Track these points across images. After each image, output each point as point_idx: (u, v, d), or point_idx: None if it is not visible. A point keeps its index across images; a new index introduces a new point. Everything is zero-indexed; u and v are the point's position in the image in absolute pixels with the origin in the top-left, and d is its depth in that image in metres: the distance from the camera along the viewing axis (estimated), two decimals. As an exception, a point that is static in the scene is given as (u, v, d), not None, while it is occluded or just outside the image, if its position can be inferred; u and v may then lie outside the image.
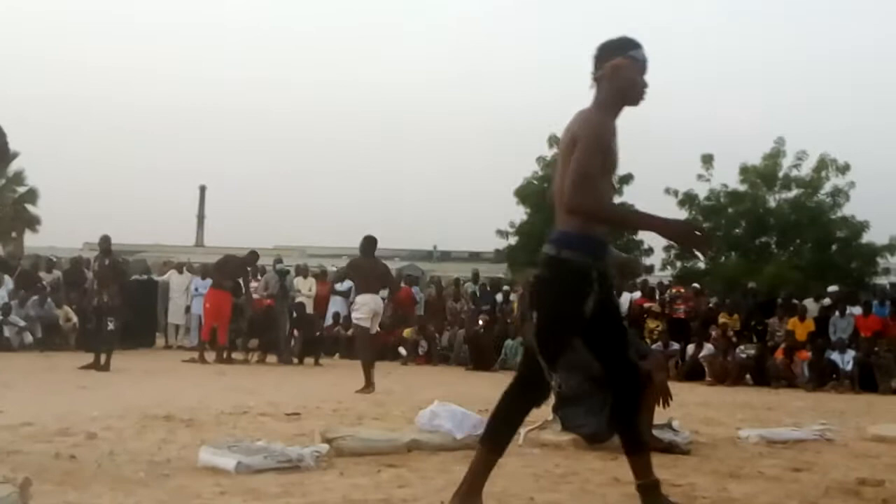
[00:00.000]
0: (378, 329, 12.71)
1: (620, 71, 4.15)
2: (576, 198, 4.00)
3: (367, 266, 12.17)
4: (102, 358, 13.20)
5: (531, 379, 4.17)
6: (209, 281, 17.61)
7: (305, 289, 19.64)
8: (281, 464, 5.28)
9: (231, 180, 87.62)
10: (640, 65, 4.21)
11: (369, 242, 12.29)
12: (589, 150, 4.00)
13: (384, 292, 13.16)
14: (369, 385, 11.31)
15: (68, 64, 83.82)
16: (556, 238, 4.15)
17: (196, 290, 19.58)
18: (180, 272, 20.81)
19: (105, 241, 14.39)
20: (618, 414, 4.44)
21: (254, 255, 16.62)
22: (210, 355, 15.85)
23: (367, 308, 11.87)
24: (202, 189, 64.06)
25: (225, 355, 16.03)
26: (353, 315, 12.54)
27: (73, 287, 18.22)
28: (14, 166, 33.87)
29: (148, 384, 11.25)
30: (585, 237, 4.09)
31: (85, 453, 5.68)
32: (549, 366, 4.05)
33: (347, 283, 20.90)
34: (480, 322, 18.23)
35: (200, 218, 63.51)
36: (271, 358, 16.68)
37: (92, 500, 4.35)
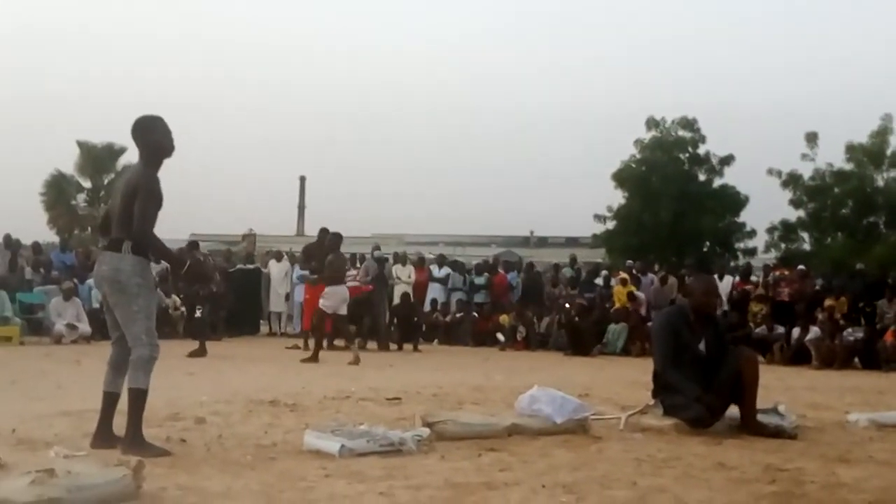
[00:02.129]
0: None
1: None
2: None
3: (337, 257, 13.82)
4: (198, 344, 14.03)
5: None
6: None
7: (405, 276, 19.79)
8: (383, 447, 5.35)
9: (330, 171, 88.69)
10: None
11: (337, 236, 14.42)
12: None
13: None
14: (357, 358, 12.97)
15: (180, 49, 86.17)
16: None
17: (298, 278, 19.91)
18: (279, 260, 21.15)
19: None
20: None
21: (323, 231, 16.58)
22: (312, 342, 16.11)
23: (339, 297, 13.51)
24: (302, 179, 64.96)
25: (326, 343, 16.28)
26: (325, 303, 13.70)
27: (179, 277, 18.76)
28: (123, 160, 35.09)
29: (253, 370, 11.50)
30: None
31: (194, 437, 5.86)
32: None
33: (446, 270, 21.09)
34: (567, 306, 18.11)
35: (301, 208, 64.37)
36: (371, 344, 16.89)
37: (202, 483, 4.48)
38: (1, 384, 9.24)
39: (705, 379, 6.56)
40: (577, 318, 17.61)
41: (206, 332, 14.81)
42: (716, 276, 17.17)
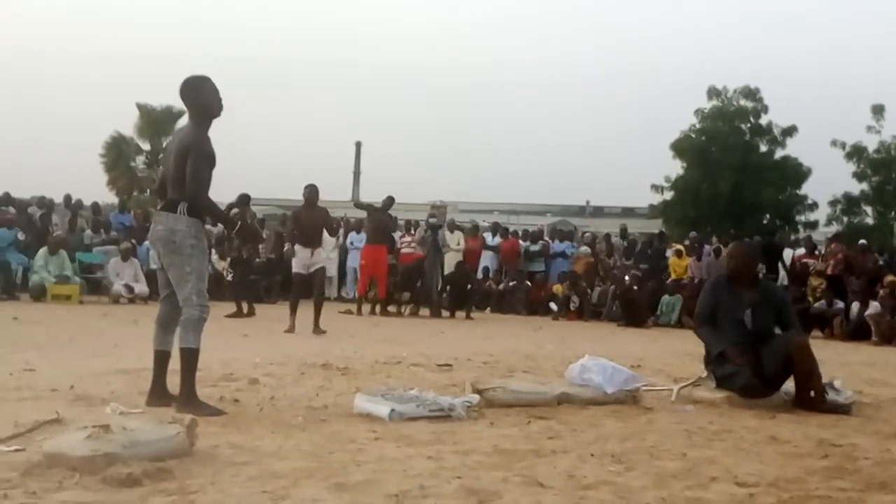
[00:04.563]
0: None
1: None
2: None
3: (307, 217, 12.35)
4: (244, 307, 14.41)
5: None
6: (363, 235, 17.97)
7: (454, 243, 19.76)
8: (433, 412, 5.37)
9: (386, 137, 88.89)
10: None
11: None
12: None
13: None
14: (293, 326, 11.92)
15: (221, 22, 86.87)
16: None
17: (351, 243, 19.99)
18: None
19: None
20: None
21: (389, 199, 16.64)
22: (365, 308, 16.25)
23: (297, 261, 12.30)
24: (358, 145, 65.16)
25: (379, 309, 16.40)
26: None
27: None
28: (181, 122, 35.41)
29: (306, 334, 11.60)
30: None
31: (247, 398, 5.94)
32: None
33: (500, 238, 21.05)
34: (627, 278, 17.97)
35: (356, 174, 64.60)
36: (423, 311, 16.95)
37: (254, 442, 4.54)
38: (60, 342, 9.46)
39: (748, 345, 6.49)
40: (636, 287, 17.49)
41: (253, 293, 15.36)
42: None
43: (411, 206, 30.23)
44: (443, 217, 20.30)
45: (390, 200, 16.52)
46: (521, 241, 21.03)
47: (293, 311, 12.11)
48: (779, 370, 6.38)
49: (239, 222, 6.15)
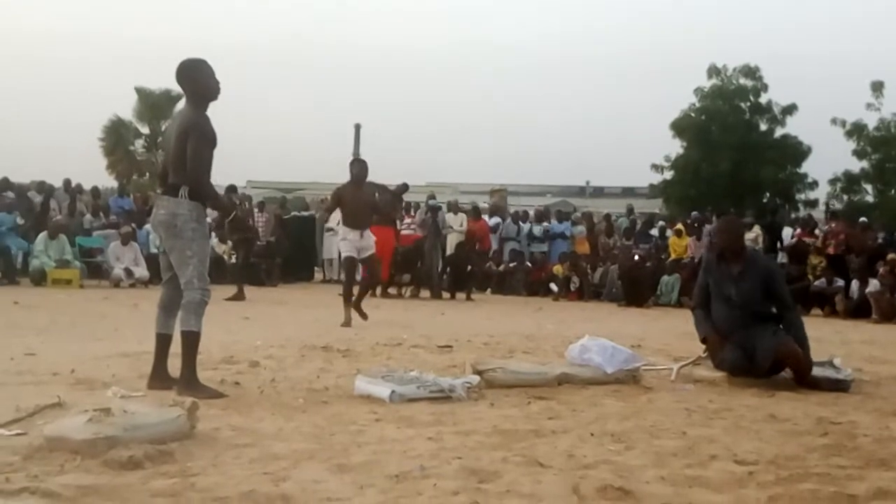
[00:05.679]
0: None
1: None
2: None
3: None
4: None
5: None
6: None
7: (456, 224, 19.75)
8: (433, 393, 5.38)
9: (385, 119, 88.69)
10: None
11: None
12: None
13: None
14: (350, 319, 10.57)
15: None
16: None
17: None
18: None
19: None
20: None
21: (404, 185, 16.65)
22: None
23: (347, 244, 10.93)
24: (357, 127, 64.85)
25: (380, 290, 16.39)
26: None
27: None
28: (180, 106, 35.29)
29: (307, 316, 11.62)
30: None
31: (248, 380, 5.95)
32: None
33: (497, 219, 21.01)
34: (636, 258, 17.96)
35: (356, 157, 64.39)
36: (424, 293, 16.96)
37: (254, 425, 4.55)
38: (61, 326, 9.47)
39: (738, 321, 6.51)
40: (648, 264, 17.52)
41: (253, 276, 15.67)
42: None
43: (411, 188, 30.13)
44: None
45: (405, 187, 16.50)
46: (524, 223, 21.01)
47: (347, 300, 10.66)
48: (769, 367, 6.39)
49: (235, 212, 6.16)
